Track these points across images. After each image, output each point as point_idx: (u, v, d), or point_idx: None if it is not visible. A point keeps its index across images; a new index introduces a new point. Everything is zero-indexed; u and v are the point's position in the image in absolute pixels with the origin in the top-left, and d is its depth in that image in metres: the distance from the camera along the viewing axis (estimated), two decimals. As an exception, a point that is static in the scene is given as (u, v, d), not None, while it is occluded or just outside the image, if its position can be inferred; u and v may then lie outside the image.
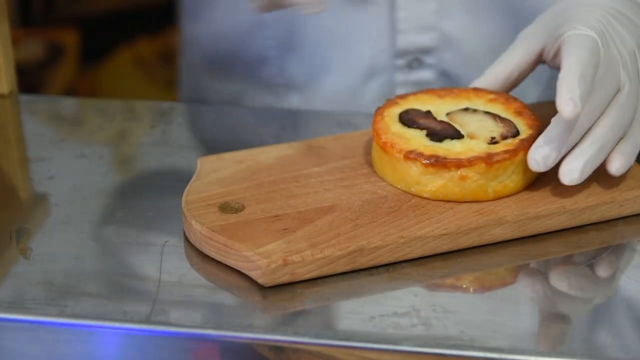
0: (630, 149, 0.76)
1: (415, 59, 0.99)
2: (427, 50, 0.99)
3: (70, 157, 0.86)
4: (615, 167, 0.75)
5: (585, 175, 0.74)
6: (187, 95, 1.14)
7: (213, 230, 0.71)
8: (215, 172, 0.79)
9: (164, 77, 1.97)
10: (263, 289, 0.69)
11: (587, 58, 0.73)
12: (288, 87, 1.03)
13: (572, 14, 0.78)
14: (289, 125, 0.97)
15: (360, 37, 0.99)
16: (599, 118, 0.75)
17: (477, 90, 0.83)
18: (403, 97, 0.82)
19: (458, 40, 0.98)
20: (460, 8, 0.97)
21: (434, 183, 0.75)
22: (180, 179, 0.80)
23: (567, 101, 0.71)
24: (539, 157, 0.73)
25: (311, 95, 1.03)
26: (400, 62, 0.99)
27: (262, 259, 0.69)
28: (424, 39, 0.98)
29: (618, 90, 0.76)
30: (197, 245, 0.73)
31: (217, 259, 0.72)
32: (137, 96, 1.93)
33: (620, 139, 0.76)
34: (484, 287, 0.71)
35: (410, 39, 0.98)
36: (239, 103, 1.07)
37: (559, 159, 0.74)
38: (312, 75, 1.02)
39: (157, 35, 2.01)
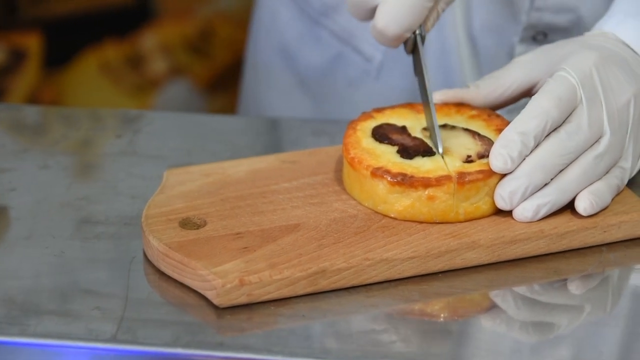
0: (603, 189, 0.78)
1: (542, 32, 1.02)
2: (557, 29, 1.02)
3: (32, 168, 0.89)
4: (583, 206, 0.78)
5: (540, 216, 0.77)
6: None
7: (170, 247, 0.74)
8: (180, 186, 0.81)
9: (132, 83, 2.00)
10: (233, 306, 0.71)
11: (547, 108, 0.77)
12: None
13: (569, 53, 0.81)
14: (263, 134, 0.99)
15: (496, 1, 1.02)
16: (572, 162, 0.78)
17: (459, 106, 0.85)
18: (380, 110, 0.85)
19: (589, 22, 1.00)
20: None
21: (400, 202, 0.77)
22: (148, 191, 0.83)
23: (497, 156, 0.76)
24: (505, 193, 0.77)
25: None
26: (526, 34, 1.01)
27: (217, 278, 0.71)
28: (558, 19, 1.01)
29: (599, 138, 0.79)
30: (154, 262, 0.75)
31: (174, 277, 0.74)
32: (103, 103, 1.95)
33: (592, 183, 0.79)
34: (462, 308, 0.74)
35: (545, 17, 1.01)
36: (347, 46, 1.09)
37: (526, 197, 0.77)
38: None
39: (125, 39, 2.03)
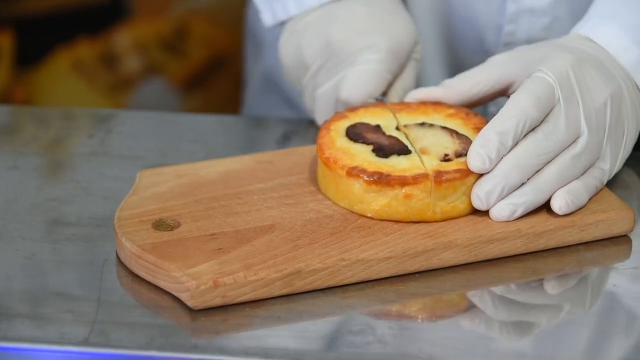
0: (580, 188, 0.79)
1: None
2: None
3: (2, 168, 0.89)
4: (559, 205, 0.78)
5: (516, 216, 0.78)
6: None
7: (143, 249, 0.74)
8: (153, 187, 0.82)
9: (106, 82, 1.99)
10: (208, 308, 0.71)
11: (526, 107, 0.78)
12: None
13: (546, 55, 0.82)
14: (238, 133, 0.99)
15: (463, 38, 1.04)
16: (549, 162, 0.79)
17: (436, 104, 0.85)
18: (353, 110, 0.85)
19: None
20: (570, 23, 1.00)
21: (377, 201, 0.77)
22: (120, 192, 0.83)
23: (475, 155, 0.77)
24: (482, 193, 0.77)
25: None
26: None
27: (191, 280, 0.71)
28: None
29: (576, 139, 0.80)
30: (127, 264, 0.75)
31: (148, 279, 0.74)
32: (76, 103, 1.95)
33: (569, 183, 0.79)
34: (440, 309, 0.75)
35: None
36: None
37: (502, 197, 0.77)
38: None
39: (98, 37, 2.03)
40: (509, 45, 1.01)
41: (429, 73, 1.06)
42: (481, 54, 1.02)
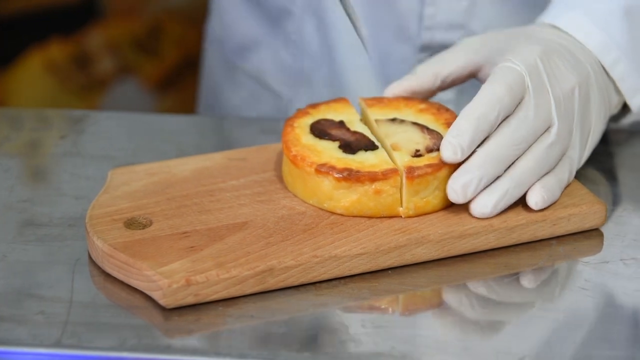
0: (554, 183, 0.79)
1: (438, 52, 1.04)
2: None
3: (-27, 169, 0.88)
4: (535, 200, 0.78)
5: (498, 211, 0.77)
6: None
7: (115, 248, 0.73)
8: (125, 185, 0.81)
9: (79, 83, 1.99)
10: (181, 307, 0.71)
11: (500, 95, 0.77)
12: (303, 51, 1.08)
13: (514, 45, 0.82)
14: (210, 133, 0.99)
15: (385, 28, 1.04)
16: (524, 153, 0.78)
17: (407, 99, 0.85)
18: (315, 106, 0.85)
19: None
20: (490, 7, 1.01)
21: (347, 198, 0.77)
22: (92, 191, 0.82)
23: (447, 145, 0.77)
24: (458, 186, 0.77)
25: (328, 75, 1.07)
26: (422, 55, 1.03)
27: (163, 278, 0.71)
28: (450, 37, 1.02)
29: (548, 128, 0.79)
30: (99, 264, 0.75)
31: (120, 279, 0.73)
32: (49, 104, 1.94)
33: (545, 174, 0.79)
34: (413, 305, 0.74)
35: (437, 36, 1.02)
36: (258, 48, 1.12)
37: (479, 189, 0.77)
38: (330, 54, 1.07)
39: (71, 38, 2.02)
40: (430, 30, 1.02)
41: (354, 64, 1.05)
42: (404, 42, 1.03)
